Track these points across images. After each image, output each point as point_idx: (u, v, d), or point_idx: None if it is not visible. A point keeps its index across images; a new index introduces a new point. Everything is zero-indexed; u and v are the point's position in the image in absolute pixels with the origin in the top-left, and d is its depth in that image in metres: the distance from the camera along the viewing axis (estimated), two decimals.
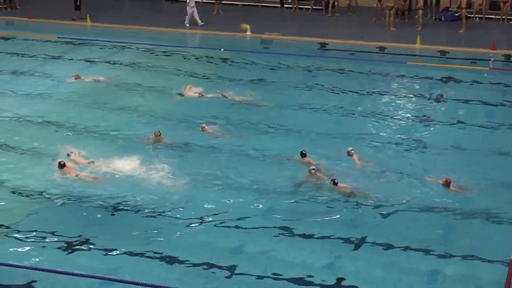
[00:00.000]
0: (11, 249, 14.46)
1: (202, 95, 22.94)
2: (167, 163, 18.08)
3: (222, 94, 22.67)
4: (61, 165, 17.54)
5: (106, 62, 27.10)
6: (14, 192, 16.89)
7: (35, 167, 18.01)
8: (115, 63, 26.99)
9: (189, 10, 32.17)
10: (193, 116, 21.33)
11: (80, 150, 18.58)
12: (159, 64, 26.84)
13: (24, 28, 32.05)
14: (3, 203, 16.45)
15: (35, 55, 27.89)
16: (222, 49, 28.71)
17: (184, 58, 27.81)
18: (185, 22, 32.27)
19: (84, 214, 15.96)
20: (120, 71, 26.04)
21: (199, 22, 32.21)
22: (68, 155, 18.21)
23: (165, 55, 28.27)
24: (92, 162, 18.04)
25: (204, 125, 20.15)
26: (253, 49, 29.19)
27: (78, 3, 33.13)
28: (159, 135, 19.41)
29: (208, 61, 27.44)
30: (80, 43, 29.61)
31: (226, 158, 18.63)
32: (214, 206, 16.19)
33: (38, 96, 23.42)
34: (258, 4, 35.98)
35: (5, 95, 23.43)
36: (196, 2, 32.31)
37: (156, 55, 28.25)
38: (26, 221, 15.66)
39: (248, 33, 30.39)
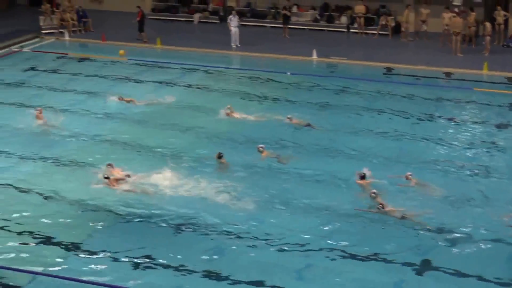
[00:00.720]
0: (79, 266, 14.93)
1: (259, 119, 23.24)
2: (230, 184, 18.42)
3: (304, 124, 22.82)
4: (106, 178, 18.30)
5: (175, 84, 27.66)
6: (81, 209, 17.42)
7: (104, 185, 18.49)
8: (183, 85, 27.52)
9: (232, 30, 32.82)
10: (258, 138, 21.67)
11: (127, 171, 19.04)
12: (226, 87, 27.28)
13: (97, 50, 32.94)
14: (70, 219, 16.99)
15: (106, 76, 28.63)
16: (289, 73, 28.98)
17: (251, 81, 28.18)
18: (231, 43, 32.84)
19: (150, 231, 16.34)
20: (188, 93, 26.57)
21: (237, 42, 32.73)
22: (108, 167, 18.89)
23: (232, 78, 28.70)
24: (128, 176, 18.60)
25: (262, 146, 20.45)
26: (319, 73, 29.37)
27: (141, 25, 33.98)
28: (222, 157, 19.75)
29: (274, 85, 27.75)
30: (150, 65, 30.28)
31: (289, 181, 18.84)
32: (276, 228, 16.39)
33: (109, 116, 24.07)
34: (325, 28, 36.21)
35: (78, 114, 24.14)
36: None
37: (224, 77, 28.70)
38: (93, 237, 16.14)
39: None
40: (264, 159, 20.04)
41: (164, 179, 18.63)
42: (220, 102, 25.10)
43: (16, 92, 26.57)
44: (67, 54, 32.10)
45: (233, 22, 32.96)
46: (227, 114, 23.52)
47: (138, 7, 34.38)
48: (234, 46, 32.82)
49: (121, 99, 24.96)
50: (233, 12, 34.22)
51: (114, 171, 18.80)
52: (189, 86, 27.45)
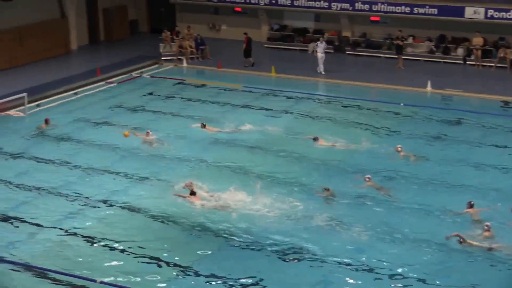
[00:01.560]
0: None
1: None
2: (336, 214, 18.56)
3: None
4: (192, 193, 19.19)
5: (287, 112, 27.92)
6: (191, 233, 17.82)
7: (213, 209, 18.83)
8: (294, 113, 27.76)
9: (318, 56, 33.29)
10: (367, 168, 21.61)
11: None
12: (338, 116, 27.31)
13: (213, 77, 33.65)
14: (178, 241, 17.46)
15: (221, 103, 29.21)
16: (402, 104, 28.70)
17: (363, 111, 28.10)
18: (318, 70, 33.36)
19: (256, 258, 16.53)
20: (298, 121, 26.82)
21: (322, 69, 33.37)
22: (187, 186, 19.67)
23: (343, 107, 28.71)
24: (212, 196, 19.40)
25: (368, 176, 20.56)
26: (433, 104, 28.93)
27: (248, 51, 34.72)
28: (329, 190, 19.86)
29: (387, 115, 27.55)
30: (264, 93, 30.69)
31: (397, 212, 18.69)
32: (380, 258, 16.26)
33: (222, 142, 24.53)
34: (441, 60, 35.68)
35: (190, 139, 24.73)
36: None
37: (335, 106, 28.73)
38: (202, 260, 16.48)
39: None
40: (367, 188, 20.14)
41: (271, 206, 18.86)
42: (330, 131, 25.18)
43: (134, 116, 27.51)
44: (184, 80, 32.98)
45: (320, 48, 33.58)
46: (332, 145, 23.68)
47: (245, 33, 35.26)
48: (319, 72, 33.37)
49: (203, 126, 25.40)
50: (321, 38, 34.77)
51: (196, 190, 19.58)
52: (301, 114, 27.64)
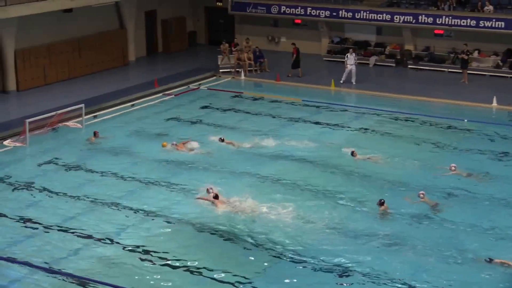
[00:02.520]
0: None
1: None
2: (389, 232, 18.58)
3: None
4: (215, 197, 20.24)
5: (345, 127, 27.85)
6: (256, 245, 18.02)
7: (286, 224, 19.09)
8: (353, 128, 27.67)
9: (348, 67, 33.73)
10: (425, 185, 21.54)
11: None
12: (399, 131, 27.15)
13: (271, 90, 33.77)
14: (239, 256, 17.61)
15: (278, 117, 29.31)
16: (466, 120, 28.35)
17: (424, 127, 27.86)
18: (342, 79, 33.92)
19: (311, 275, 16.52)
20: (356, 136, 26.76)
21: (353, 80, 33.78)
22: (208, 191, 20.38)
23: (405, 122, 28.49)
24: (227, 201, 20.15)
25: (422, 192, 20.53)
26: (499, 121, 28.50)
27: (297, 61, 35.17)
28: (384, 204, 19.77)
29: (449, 131, 27.25)
30: (323, 107, 30.67)
31: (453, 230, 18.67)
32: (438, 277, 16.21)
33: (278, 156, 24.62)
34: (507, 75, 35.13)
35: (249, 153, 24.86)
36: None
37: (397, 122, 28.55)
38: (265, 274, 16.76)
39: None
40: (421, 204, 20.12)
41: (322, 222, 19.12)
42: (388, 147, 25.10)
43: (191, 128, 27.81)
44: (242, 93, 33.21)
45: (350, 60, 33.99)
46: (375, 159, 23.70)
47: (293, 44, 35.68)
48: (342, 82, 34.03)
49: (221, 140, 25.52)
50: (351, 50, 34.98)
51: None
52: (359, 129, 27.54)
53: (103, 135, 26.44)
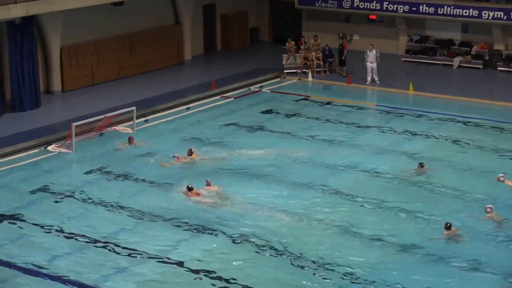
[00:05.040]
0: None
1: None
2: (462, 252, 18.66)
3: None
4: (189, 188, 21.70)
5: (425, 135, 27.71)
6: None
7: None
8: (434, 137, 27.50)
9: (368, 66, 34.50)
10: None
11: None
12: (483, 141, 26.92)
13: (341, 94, 33.77)
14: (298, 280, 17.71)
15: (349, 124, 29.31)
16: None
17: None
18: (367, 78, 34.67)
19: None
20: (437, 146, 26.60)
21: (376, 79, 34.62)
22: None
23: (491, 131, 28.20)
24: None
25: (490, 207, 20.45)
26: None
27: (343, 57, 35.73)
28: (450, 227, 19.65)
29: None
30: (399, 113, 30.55)
31: None
32: None
33: (347, 167, 24.68)
34: None
35: (316, 165, 24.95)
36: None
37: (481, 130, 28.25)
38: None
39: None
40: (488, 221, 20.20)
41: (393, 239, 19.33)
42: (470, 158, 25.02)
43: (251, 135, 28.05)
44: (308, 96, 33.27)
45: (370, 57, 34.66)
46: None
47: (341, 38, 36.44)
48: (368, 82, 34.70)
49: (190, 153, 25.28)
50: (370, 46, 35.06)
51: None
52: (441, 138, 27.36)
53: (146, 142, 26.66)
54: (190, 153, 25.03)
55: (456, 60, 37.57)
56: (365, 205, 21.68)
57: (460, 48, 38.36)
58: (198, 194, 22.04)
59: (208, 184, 22.55)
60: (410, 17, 38.67)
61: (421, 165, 23.97)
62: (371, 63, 34.68)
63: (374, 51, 34.64)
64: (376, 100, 32.30)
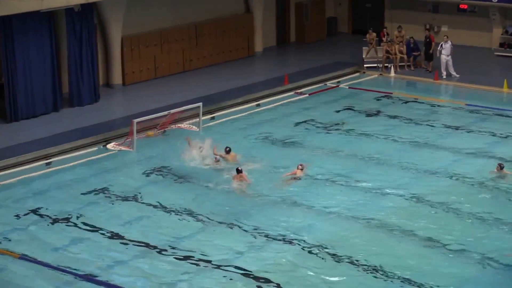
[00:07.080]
0: None
1: None
2: None
3: None
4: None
5: None
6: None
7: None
8: None
9: (443, 59, 34.63)
10: None
11: None
12: None
13: (427, 91, 33.55)
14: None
15: (434, 124, 29.04)
16: None
17: None
18: (442, 76, 34.76)
19: None
20: None
21: (454, 73, 34.66)
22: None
23: None
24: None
25: None
26: None
27: (430, 52, 35.52)
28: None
29: None
30: (492, 113, 30.15)
31: None
32: None
33: (432, 172, 24.43)
34: None
35: (399, 168, 24.81)
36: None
37: None
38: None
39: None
40: None
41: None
42: None
43: (327, 135, 28.00)
44: (391, 93, 33.07)
45: (445, 50, 34.64)
46: None
47: (427, 30, 36.79)
48: (444, 76, 34.76)
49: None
50: (445, 37, 34.82)
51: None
52: None
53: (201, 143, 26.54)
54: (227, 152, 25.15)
55: None
56: (453, 213, 21.47)
57: None
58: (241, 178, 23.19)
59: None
60: (506, 6, 38.05)
61: (500, 166, 23.66)
62: (446, 56, 34.46)
63: (449, 43, 34.40)
64: (466, 98, 31.84)
